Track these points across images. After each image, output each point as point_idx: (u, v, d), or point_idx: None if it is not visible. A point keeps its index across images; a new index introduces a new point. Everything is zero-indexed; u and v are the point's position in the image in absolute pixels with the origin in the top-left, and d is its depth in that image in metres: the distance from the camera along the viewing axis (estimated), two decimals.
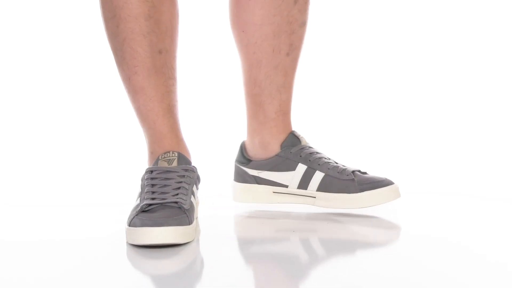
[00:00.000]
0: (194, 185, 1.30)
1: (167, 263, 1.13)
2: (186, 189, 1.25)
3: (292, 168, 1.36)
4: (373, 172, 1.42)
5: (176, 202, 1.21)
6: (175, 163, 1.30)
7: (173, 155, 1.32)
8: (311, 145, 1.42)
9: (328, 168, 1.36)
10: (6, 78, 2.63)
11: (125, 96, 1.39)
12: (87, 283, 1.02)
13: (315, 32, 2.49)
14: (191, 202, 1.25)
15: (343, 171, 1.36)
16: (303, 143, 1.41)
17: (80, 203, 1.59)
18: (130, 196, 1.35)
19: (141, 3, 1.31)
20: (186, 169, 1.29)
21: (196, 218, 1.30)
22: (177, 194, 1.23)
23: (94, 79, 2.63)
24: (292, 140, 1.39)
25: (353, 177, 1.34)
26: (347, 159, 1.43)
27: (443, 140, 2.33)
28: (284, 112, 1.43)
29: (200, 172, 1.34)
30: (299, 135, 1.43)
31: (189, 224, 1.20)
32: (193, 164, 1.35)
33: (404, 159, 2.15)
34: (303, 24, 1.38)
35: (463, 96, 2.53)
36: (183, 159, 1.32)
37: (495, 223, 1.36)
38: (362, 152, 2.22)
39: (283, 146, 1.41)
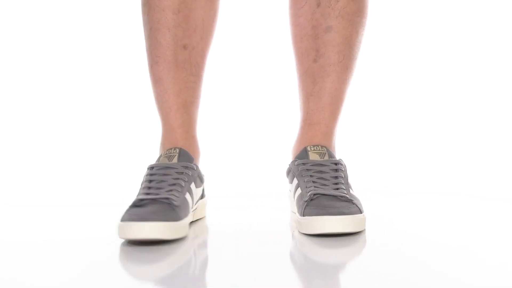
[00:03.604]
0: (193, 183, 1.31)
1: (167, 263, 1.13)
2: (181, 186, 1.26)
3: (291, 180, 1.35)
4: (373, 172, 1.42)
5: (167, 198, 1.22)
6: (175, 160, 1.31)
7: (175, 151, 1.32)
8: (321, 163, 1.31)
9: (306, 187, 1.28)
10: (6, 78, 2.63)
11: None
12: (87, 284, 1.02)
13: None
14: (185, 199, 1.24)
15: (310, 192, 1.25)
16: (311, 158, 1.33)
17: (79, 203, 1.59)
18: (130, 196, 1.35)
19: None
20: (186, 166, 1.29)
21: (203, 217, 1.30)
22: (171, 190, 1.23)
23: (93, 81, 2.64)
24: (302, 154, 1.35)
25: (307, 199, 1.23)
26: (347, 159, 1.43)
27: (443, 140, 2.33)
28: (311, 122, 1.36)
29: (211, 171, 1.34)
30: (311, 150, 1.34)
31: (177, 221, 1.19)
32: (198, 162, 1.37)
33: (404, 159, 2.15)
34: (327, 30, 1.31)
35: (463, 96, 2.53)
36: (185, 156, 1.33)
37: (495, 223, 1.36)
38: (362, 152, 2.22)
39: (296, 157, 1.37)
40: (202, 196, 1.40)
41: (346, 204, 1.22)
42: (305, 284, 1.02)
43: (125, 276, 1.07)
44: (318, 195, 1.23)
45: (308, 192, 1.24)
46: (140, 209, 1.20)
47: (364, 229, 1.24)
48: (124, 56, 2.66)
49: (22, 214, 1.51)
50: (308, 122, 1.36)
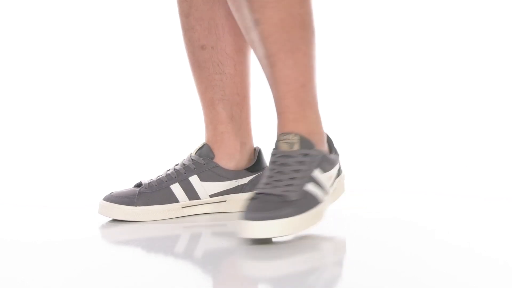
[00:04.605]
0: (196, 176, 1.41)
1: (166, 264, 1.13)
2: (171, 176, 1.41)
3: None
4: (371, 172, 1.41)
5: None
6: (194, 152, 1.43)
7: (200, 145, 1.44)
8: (289, 154, 1.24)
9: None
10: (6, 79, 2.63)
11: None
12: (86, 284, 1.02)
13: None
14: (166, 188, 1.40)
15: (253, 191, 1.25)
16: (280, 149, 1.26)
17: (79, 204, 1.59)
18: None
19: (181, 2, 1.42)
20: (194, 160, 1.42)
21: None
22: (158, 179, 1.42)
23: (93, 82, 2.64)
24: (276, 144, 1.30)
25: (249, 198, 1.22)
26: (348, 159, 1.43)
27: (443, 140, 2.33)
28: (278, 112, 1.30)
29: None
30: (280, 140, 1.26)
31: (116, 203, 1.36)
32: (222, 159, 1.43)
33: (404, 159, 2.15)
34: (256, 23, 1.26)
35: (463, 96, 2.53)
36: (204, 151, 1.42)
37: (495, 223, 1.36)
38: (362, 152, 2.22)
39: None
40: (238, 191, 1.44)
41: (280, 205, 1.17)
42: (303, 283, 1.02)
43: (124, 277, 1.08)
44: (260, 195, 1.20)
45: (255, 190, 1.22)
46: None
47: (310, 229, 1.19)
48: (122, 59, 2.66)
49: (22, 215, 1.51)
50: (277, 112, 1.32)
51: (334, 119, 2.45)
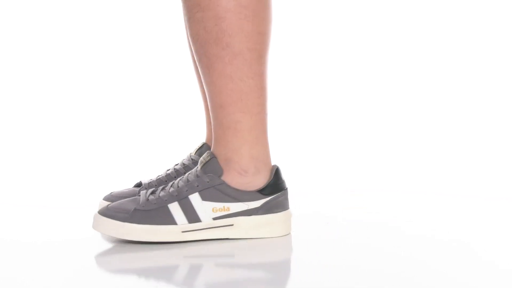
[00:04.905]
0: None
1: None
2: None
3: None
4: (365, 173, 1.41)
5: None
6: (193, 152, 1.42)
7: (199, 144, 1.42)
8: (190, 171, 1.27)
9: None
10: (6, 79, 2.63)
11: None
12: (85, 284, 1.02)
13: (308, 32, 2.49)
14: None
15: None
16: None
17: (79, 204, 1.59)
18: None
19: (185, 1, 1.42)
20: (193, 159, 1.41)
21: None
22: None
23: (93, 81, 2.64)
24: None
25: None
26: (348, 159, 1.43)
27: (442, 140, 2.33)
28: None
29: None
30: (203, 157, 1.26)
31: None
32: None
33: (404, 159, 2.15)
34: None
35: (463, 97, 2.53)
36: (204, 150, 1.41)
37: (495, 223, 1.36)
38: (363, 152, 2.22)
39: None
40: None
41: (127, 207, 1.21)
42: (299, 284, 1.02)
43: (126, 276, 1.08)
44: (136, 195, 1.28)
45: None
46: None
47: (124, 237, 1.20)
48: (121, 60, 2.66)
49: (22, 215, 1.51)
50: None
51: (335, 119, 2.45)
